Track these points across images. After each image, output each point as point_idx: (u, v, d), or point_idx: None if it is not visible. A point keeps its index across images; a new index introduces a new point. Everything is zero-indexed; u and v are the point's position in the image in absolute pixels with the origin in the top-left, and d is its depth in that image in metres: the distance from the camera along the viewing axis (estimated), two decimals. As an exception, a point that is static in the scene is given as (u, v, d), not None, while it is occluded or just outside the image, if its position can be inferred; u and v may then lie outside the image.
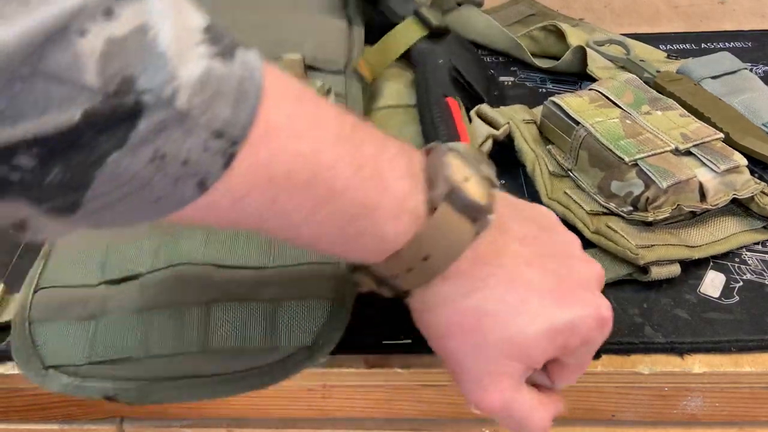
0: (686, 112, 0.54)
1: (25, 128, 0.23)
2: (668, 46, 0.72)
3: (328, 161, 0.30)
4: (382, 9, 0.66)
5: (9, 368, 0.44)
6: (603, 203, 0.50)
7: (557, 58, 0.67)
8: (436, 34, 0.64)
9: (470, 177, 0.33)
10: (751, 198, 0.50)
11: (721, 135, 0.51)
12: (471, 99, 0.61)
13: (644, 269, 0.46)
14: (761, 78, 0.63)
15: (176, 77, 0.25)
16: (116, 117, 0.24)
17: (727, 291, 0.46)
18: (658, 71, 0.62)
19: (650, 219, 0.47)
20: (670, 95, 0.58)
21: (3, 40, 0.22)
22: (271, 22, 0.62)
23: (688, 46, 0.73)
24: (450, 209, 0.32)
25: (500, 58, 0.71)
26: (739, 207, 0.51)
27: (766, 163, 0.54)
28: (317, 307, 0.42)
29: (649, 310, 0.45)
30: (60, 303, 0.44)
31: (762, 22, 0.77)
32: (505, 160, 0.54)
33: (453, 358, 0.35)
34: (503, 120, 0.56)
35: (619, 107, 0.54)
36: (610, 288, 0.46)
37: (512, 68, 0.70)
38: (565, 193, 0.51)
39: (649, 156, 0.48)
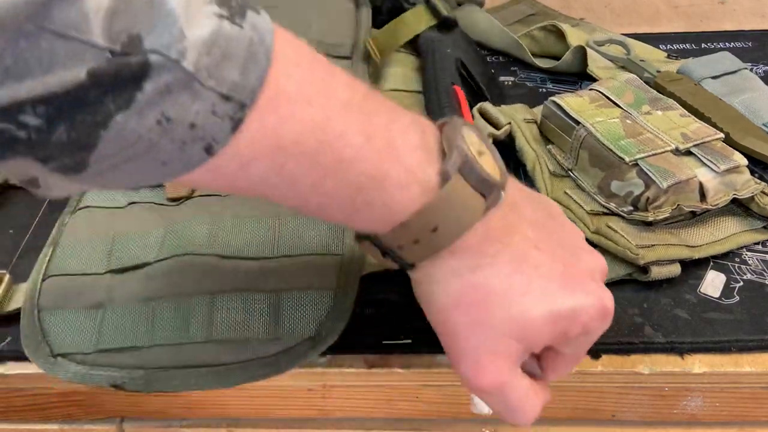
0: (686, 112, 0.54)
1: (31, 86, 0.23)
2: (668, 46, 0.72)
3: (337, 129, 0.29)
4: None
5: (9, 368, 0.44)
6: (603, 203, 0.50)
7: (557, 58, 0.67)
8: (445, 25, 0.64)
9: (485, 152, 0.33)
10: (752, 198, 0.49)
11: (722, 135, 0.51)
12: (474, 95, 0.61)
13: (644, 269, 0.46)
14: (761, 78, 0.63)
15: (184, 37, 0.24)
16: (122, 77, 0.24)
17: (727, 291, 0.46)
18: (658, 71, 0.62)
19: (650, 219, 0.47)
20: (671, 95, 0.58)
21: None
22: (278, 4, 0.63)
23: (688, 46, 0.73)
24: (462, 181, 0.32)
25: (500, 58, 0.72)
26: (740, 207, 0.51)
27: (766, 163, 0.54)
28: (320, 298, 0.42)
29: (649, 310, 0.45)
30: (68, 291, 0.44)
31: (762, 22, 0.77)
32: (506, 160, 0.54)
33: (452, 333, 0.34)
34: (505, 119, 0.56)
35: (620, 107, 0.54)
36: (610, 288, 0.46)
37: (512, 68, 0.70)
38: (566, 192, 0.51)
39: (649, 156, 0.48)
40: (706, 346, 0.43)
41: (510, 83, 0.67)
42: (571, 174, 0.52)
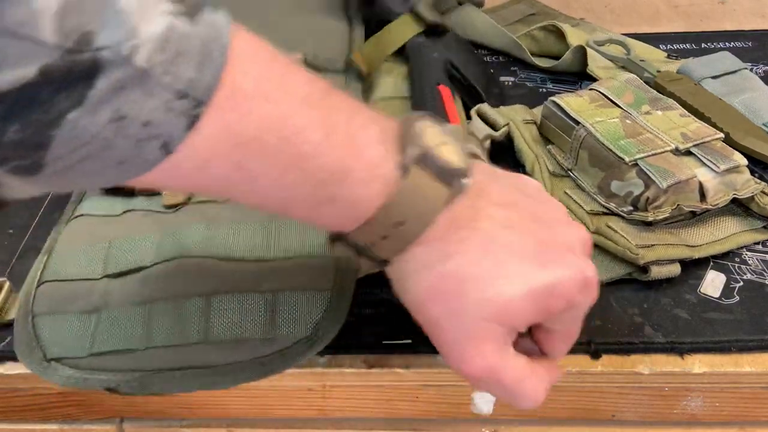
0: (686, 112, 0.54)
1: None
2: (668, 46, 0.72)
3: (296, 125, 0.29)
4: (380, 7, 0.66)
5: (9, 368, 0.44)
6: (603, 203, 0.50)
7: (557, 58, 0.67)
8: (433, 31, 0.64)
9: (447, 142, 0.33)
10: (751, 198, 0.49)
11: (722, 135, 0.51)
12: (471, 97, 0.61)
13: (644, 269, 0.46)
14: (761, 78, 0.63)
15: (136, 34, 0.24)
16: (74, 74, 0.24)
17: (727, 291, 0.46)
18: (658, 71, 0.62)
19: (650, 219, 0.47)
20: (671, 95, 0.58)
21: None
22: (272, 24, 0.63)
23: (688, 45, 0.73)
24: (422, 172, 0.32)
25: (500, 58, 0.72)
26: (740, 207, 0.51)
27: (766, 163, 0.54)
28: (317, 299, 0.42)
29: (649, 310, 0.45)
30: (63, 296, 0.44)
31: (762, 22, 0.77)
32: (505, 161, 0.54)
33: (435, 326, 0.34)
34: (503, 121, 0.56)
35: (620, 107, 0.54)
36: (610, 288, 0.46)
37: (512, 68, 0.70)
38: (565, 192, 0.51)
39: (649, 156, 0.48)
40: (706, 346, 0.43)
41: (510, 83, 0.67)
42: (571, 174, 0.52)
